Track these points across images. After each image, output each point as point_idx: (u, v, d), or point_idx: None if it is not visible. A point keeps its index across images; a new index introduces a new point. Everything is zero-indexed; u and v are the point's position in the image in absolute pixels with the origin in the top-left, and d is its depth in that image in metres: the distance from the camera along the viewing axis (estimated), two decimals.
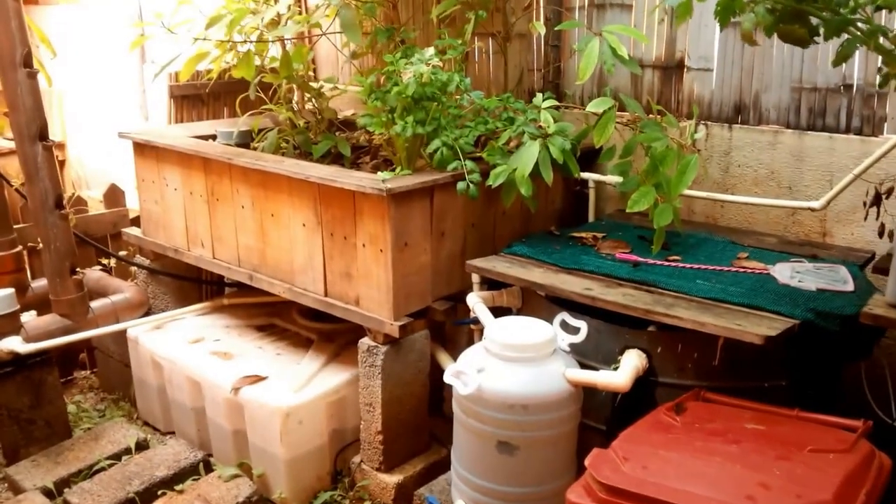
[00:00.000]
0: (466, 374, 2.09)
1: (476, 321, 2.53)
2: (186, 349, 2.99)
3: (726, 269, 2.46)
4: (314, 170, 2.60)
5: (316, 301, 2.71)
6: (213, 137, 3.21)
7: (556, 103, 2.67)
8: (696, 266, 2.47)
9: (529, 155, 2.51)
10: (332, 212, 2.58)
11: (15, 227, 3.17)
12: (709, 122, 2.88)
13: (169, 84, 3.62)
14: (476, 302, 2.44)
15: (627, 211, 2.50)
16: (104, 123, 4.69)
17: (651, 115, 2.70)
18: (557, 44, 3.19)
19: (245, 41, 2.92)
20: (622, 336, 2.25)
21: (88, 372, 3.68)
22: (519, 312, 2.57)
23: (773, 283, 2.32)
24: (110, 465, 2.83)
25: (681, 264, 2.49)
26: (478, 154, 2.71)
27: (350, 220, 2.53)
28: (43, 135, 2.88)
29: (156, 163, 3.14)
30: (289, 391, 2.67)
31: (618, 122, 2.63)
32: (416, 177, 2.52)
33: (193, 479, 2.76)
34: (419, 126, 2.60)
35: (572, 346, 2.27)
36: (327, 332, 3.05)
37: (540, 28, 2.71)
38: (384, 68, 2.66)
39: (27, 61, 2.81)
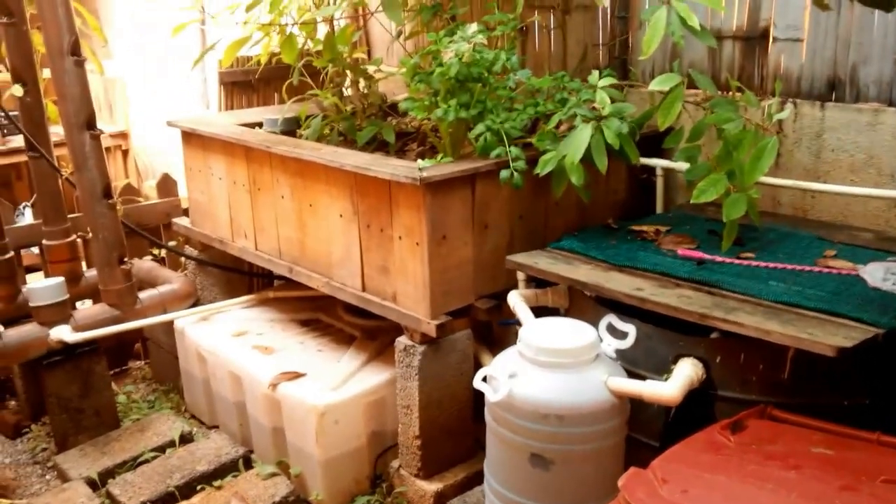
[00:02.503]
0: (497, 378, 1.90)
1: (517, 321, 2.33)
2: (229, 342, 2.92)
3: (808, 268, 2.16)
4: (350, 158, 2.46)
5: (353, 296, 2.57)
6: (260, 125, 3.12)
7: (616, 81, 2.42)
8: (772, 265, 2.18)
9: (580, 140, 2.28)
10: (369, 202, 2.43)
11: (70, 216, 3.19)
12: (797, 100, 2.55)
13: (218, 70, 3.56)
14: (517, 301, 2.23)
15: (692, 201, 2.23)
16: (167, 111, 4.72)
17: (728, 93, 2.41)
18: (625, 14, 2.91)
19: (287, 24, 2.81)
20: (675, 343, 2.00)
21: (142, 362, 3.69)
22: (566, 313, 2.34)
23: (860, 286, 2.01)
24: (154, 458, 2.80)
25: (753, 263, 2.21)
26: (528, 140, 2.51)
27: (386, 211, 2.38)
28: (91, 124, 2.85)
29: (202, 152, 3.08)
30: (325, 389, 2.55)
31: (688, 102, 2.36)
32: (455, 164, 2.34)
33: (233, 476, 2.70)
34: (463, 110, 2.41)
35: (620, 352, 2.03)
36: (370, 329, 2.91)
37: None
38: (428, 48, 2.49)
39: (75, 49, 2.78)
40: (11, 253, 3.05)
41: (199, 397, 3.11)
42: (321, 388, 2.55)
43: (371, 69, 3.01)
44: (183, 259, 3.35)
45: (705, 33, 2.31)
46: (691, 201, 2.23)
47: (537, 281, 2.37)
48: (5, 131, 4.76)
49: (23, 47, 3.02)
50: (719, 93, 2.40)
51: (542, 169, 2.35)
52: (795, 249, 2.31)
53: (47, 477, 2.88)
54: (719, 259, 2.23)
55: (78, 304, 3.37)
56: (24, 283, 3.41)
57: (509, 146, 2.35)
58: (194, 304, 3.21)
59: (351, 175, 2.44)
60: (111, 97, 5.14)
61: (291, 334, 2.99)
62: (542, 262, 2.26)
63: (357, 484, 2.63)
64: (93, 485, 2.68)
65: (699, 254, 2.26)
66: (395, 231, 2.37)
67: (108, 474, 2.75)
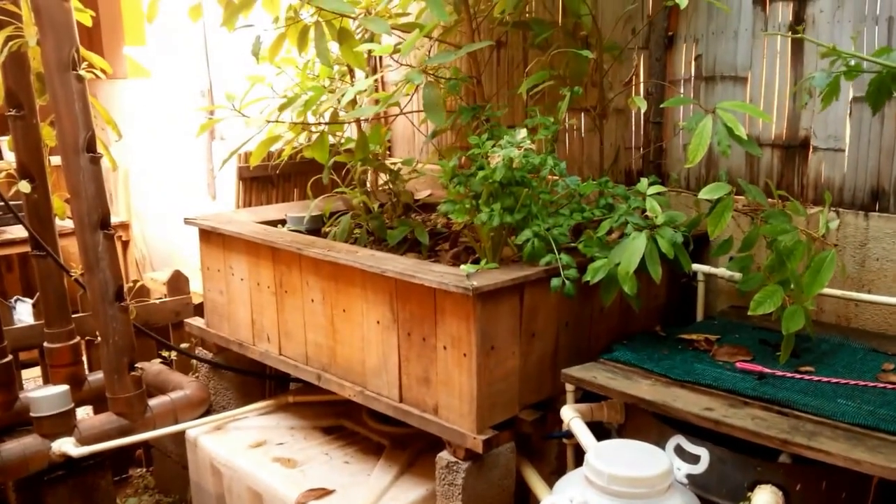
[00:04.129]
0: None
1: (569, 434, 2.20)
2: (247, 454, 2.73)
3: (871, 384, 2.07)
4: (391, 263, 2.36)
5: (390, 407, 2.42)
6: (283, 222, 3.02)
7: (662, 188, 2.38)
8: (834, 380, 2.09)
9: (634, 249, 2.21)
10: (410, 309, 2.32)
11: (74, 316, 3.03)
12: (840, 209, 2.53)
13: (238, 165, 3.49)
14: (572, 417, 2.11)
15: (750, 313, 2.15)
16: (171, 201, 4.62)
17: (772, 202, 2.38)
18: (660, 120, 2.91)
19: (319, 122, 2.75)
20: (752, 468, 1.88)
21: (144, 470, 3.46)
22: (620, 429, 2.22)
23: None
24: None
25: (815, 377, 2.12)
26: (572, 245, 2.44)
27: (430, 320, 2.27)
28: (105, 223, 2.74)
29: (222, 250, 2.96)
30: None
31: (736, 210, 2.32)
32: (504, 272, 2.25)
33: None
34: (507, 214, 2.34)
35: (690, 477, 1.90)
36: (399, 437, 2.75)
37: (641, 104, 2.45)
38: (468, 150, 2.43)
39: (91, 145, 2.68)
40: (10, 357, 2.87)
41: None
42: None
43: (406, 169, 2.95)
44: (194, 362, 3.18)
45: (751, 143, 2.29)
46: (749, 312, 2.16)
47: (585, 392, 2.26)
48: None
49: (31, 141, 2.93)
50: (769, 201, 2.37)
51: (593, 277, 2.27)
52: (852, 362, 2.23)
53: None
54: (779, 373, 2.14)
55: (79, 410, 3.17)
56: (22, 385, 3.21)
57: (559, 253, 2.28)
58: (208, 410, 3.03)
59: (392, 281, 2.34)
60: (113, 187, 5.03)
61: (314, 444, 2.81)
62: (601, 376, 2.15)
63: None
64: None
65: (758, 367, 2.17)
66: (440, 341, 2.25)
67: None
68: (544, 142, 2.62)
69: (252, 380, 3.14)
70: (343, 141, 2.95)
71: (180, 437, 2.97)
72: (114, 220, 4.90)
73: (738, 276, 2.38)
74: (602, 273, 2.26)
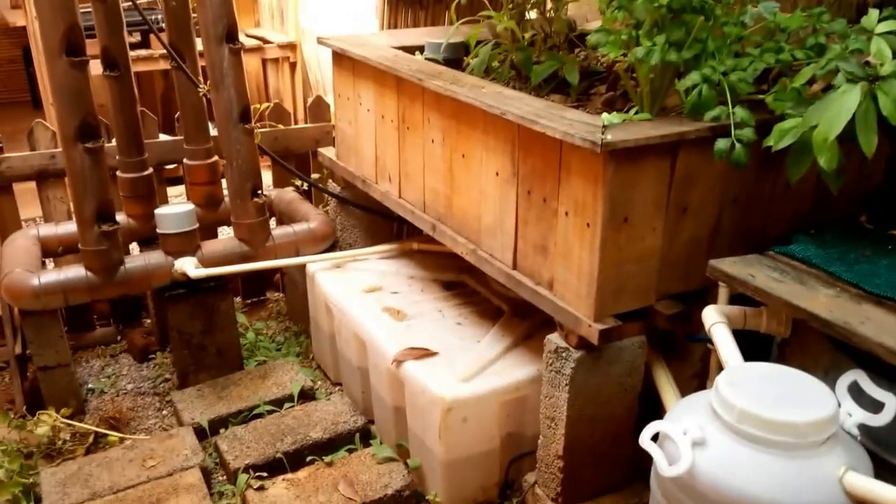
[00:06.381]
0: (675, 441, 1.36)
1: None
2: (359, 299, 2.56)
3: None
4: (515, 104, 1.93)
5: (501, 273, 2.09)
6: (422, 49, 2.64)
7: None
8: None
9: (842, 107, 1.59)
10: (533, 162, 1.91)
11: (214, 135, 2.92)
12: None
13: None
14: (716, 321, 1.64)
15: None
16: (339, 23, 4.34)
17: None
18: None
19: None
20: None
21: (281, 294, 3.45)
22: (783, 347, 1.73)
23: None
24: (269, 412, 2.55)
25: None
26: (756, 96, 1.85)
27: (553, 178, 1.85)
28: (231, 35, 2.52)
29: (351, 76, 2.66)
30: (456, 378, 2.13)
31: None
32: (652, 125, 1.75)
33: (347, 451, 2.38)
34: (673, 50, 1.79)
35: (865, 428, 1.41)
36: (522, 305, 2.41)
37: None
38: None
39: None
40: (150, 170, 2.84)
41: (325, 349, 2.81)
42: (451, 377, 2.13)
43: None
44: (325, 195, 3.00)
45: None
46: None
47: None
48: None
49: None
50: None
51: (778, 142, 1.70)
52: None
53: (164, 412, 2.73)
54: None
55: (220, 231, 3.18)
56: (166, 200, 3.24)
57: (733, 106, 1.72)
58: (332, 246, 2.87)
59: (513, 126, 1.92)
60: (283, 3, 4.84)
61: (430, 298, 2.58)
62: (762, 276, 1.64)
63: (483, 491, 2.22)
64: (201, 433, 2.49)
65: None
66: (562, 205, 1.83)
67: (221, 423, 2.54)
68: None
69: (379, 220, 2.92)
70: None
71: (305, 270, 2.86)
72: (281, 39, 4.79)
73: None
74: (792, 137, 1.68)
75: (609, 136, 1.65)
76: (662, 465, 1.35)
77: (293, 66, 4.77)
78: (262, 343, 3.04)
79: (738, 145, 1.69)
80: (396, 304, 2.52)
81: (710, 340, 1.83)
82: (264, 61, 4.68)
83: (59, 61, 2.32)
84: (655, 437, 1.42)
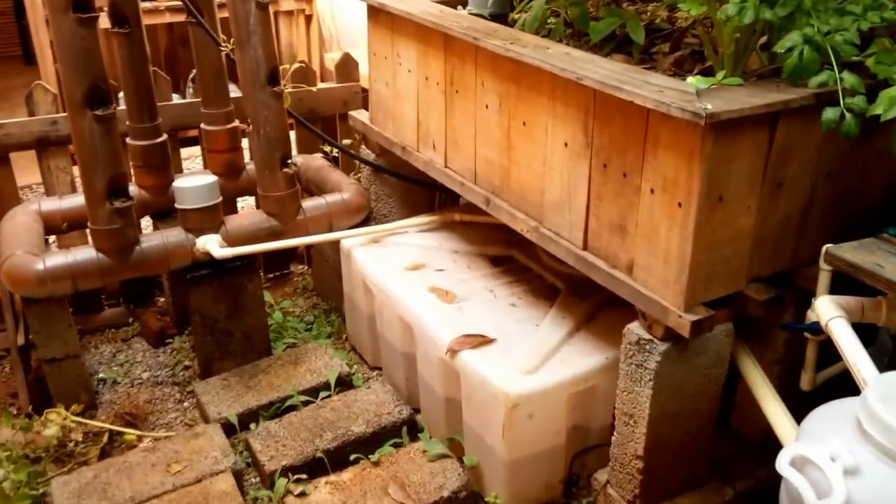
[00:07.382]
0: (823, 470, 1.20)
1: (816, 329, 1.60)
2: (402, 278, 2.38)
3: None
4: (591, 67, 1.72)
5: (570, 254, 1.91)
6: (465, 3, 2.42)
7: None
8: None
9: None
10: (611, 133, 1.71)
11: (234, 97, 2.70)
12: None
13: None
14: (834, 316, 1.47)
15: None
16: None
17: None
18: None
19: None
20: None
21: (306, 267, 3.26)
22: None
23: None
24: (304, 404, 2.37)
25: None
26: (858, 59, 1.66)
27: (636, 150, 1.66)
28: None
29: (389, 33, 2.43)
30: (520, 371, 1.96)
31: None
32: (753, 93, 1.55)
33: (393, 446, 2.21)
34: (766, 8, 1.59)
35: None
36: (580, 282, 2.24)
37: None
38: None
39: None
40: (164, 136, 2.61)
41: (362, 331, 2.64)
42: (513, 368, 1.97)
43: None
44: (356, 161, 2.80)
45: None
46: None
47: (835, 272, 1.60)
48: None
49: None
50: None
51: (887, 111, 1.51)
52: None
53: (185, 404, 2.53)
54: None
55: (239, 201, 2.96)
56: (181, 168, 3.02)
57: (839, 71, 1.53)
58: (366, 219, 2.68)
59: (589, 92, 1.72)
60: None
61: (478, 275, 2.40)
62: (889, 266, 1.47)
63: (547, 490, 2.08)
64: (229, 429, 2.28)
65: None
66: (647, 181, 1.65)
67: (251, 416, 2.34)
68: None
69: (417, 189, 2.72)
70: None
71: (337, 243, 2.67)
72: None
73: None
74: None
75: (710, 106, 1.46)
76: (808, 497, 1.19)
77: (308, 18, 4.48)
78: (290, 323, 2.84)
79: (848, 115, 1.51)
80: (443, 284, 2.34)
81: (809, 329, 1.68)
82: (276, 13, 4.40)
83: (64, 18, 2.07)
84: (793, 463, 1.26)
